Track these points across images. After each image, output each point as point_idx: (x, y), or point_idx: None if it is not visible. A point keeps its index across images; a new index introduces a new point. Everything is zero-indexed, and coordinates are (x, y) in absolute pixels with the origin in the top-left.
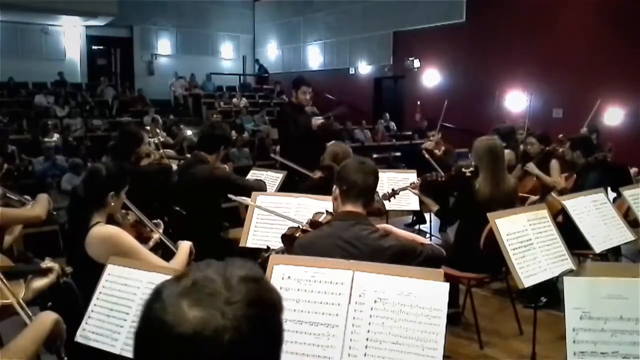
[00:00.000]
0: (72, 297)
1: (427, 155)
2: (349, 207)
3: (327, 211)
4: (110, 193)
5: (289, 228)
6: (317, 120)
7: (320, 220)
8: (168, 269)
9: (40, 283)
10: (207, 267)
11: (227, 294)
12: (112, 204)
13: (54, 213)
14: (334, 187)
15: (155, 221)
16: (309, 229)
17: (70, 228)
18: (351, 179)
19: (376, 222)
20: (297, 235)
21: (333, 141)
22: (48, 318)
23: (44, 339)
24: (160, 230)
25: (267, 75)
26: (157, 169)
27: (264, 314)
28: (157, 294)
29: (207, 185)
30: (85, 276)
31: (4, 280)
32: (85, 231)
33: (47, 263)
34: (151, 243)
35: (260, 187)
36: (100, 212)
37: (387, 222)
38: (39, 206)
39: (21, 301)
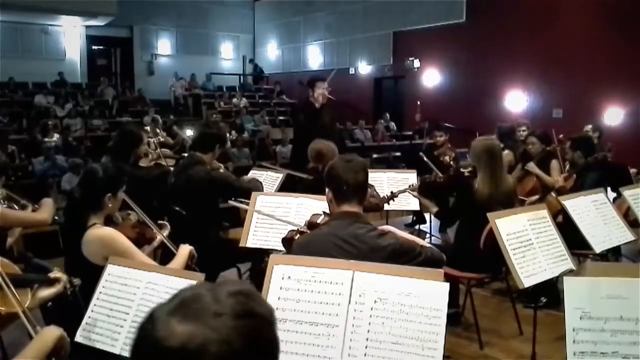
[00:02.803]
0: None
1: (425, 158)
2: (345, 208)
3: (324, 212)
4: (107, 195)
5: (289, 231)
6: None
7: (318, 221)
8: (166, 269)
9: (46, 293)
10: (198, 286)
11: (215, 307)
12: (110, 205)
13: (56, 219)
14: (327, 189)
15: (161, 222)
16: (307, 231)
17: (68, 229)
18: (342, 180)
19: (375, 218)
20: (297, 238)
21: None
22: (51, 335)
23: (47, 355)
24: (165, 233)
25: (263, 75)
26: (158, 173)
27: (254, 327)
28: (150, 316)
29: (205, 187)
30: (83, 277)
31: (12, 288)
32: (82, 232)
33: (56, 273)
34: (155, 243)
35: (257, 187)
36: (97, 214)
37: (387, 222)
38: (45, 210)
39: (26, 310)
